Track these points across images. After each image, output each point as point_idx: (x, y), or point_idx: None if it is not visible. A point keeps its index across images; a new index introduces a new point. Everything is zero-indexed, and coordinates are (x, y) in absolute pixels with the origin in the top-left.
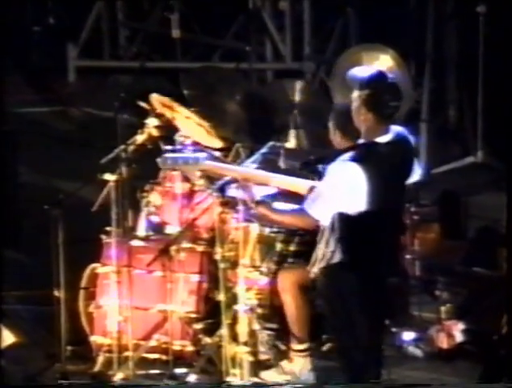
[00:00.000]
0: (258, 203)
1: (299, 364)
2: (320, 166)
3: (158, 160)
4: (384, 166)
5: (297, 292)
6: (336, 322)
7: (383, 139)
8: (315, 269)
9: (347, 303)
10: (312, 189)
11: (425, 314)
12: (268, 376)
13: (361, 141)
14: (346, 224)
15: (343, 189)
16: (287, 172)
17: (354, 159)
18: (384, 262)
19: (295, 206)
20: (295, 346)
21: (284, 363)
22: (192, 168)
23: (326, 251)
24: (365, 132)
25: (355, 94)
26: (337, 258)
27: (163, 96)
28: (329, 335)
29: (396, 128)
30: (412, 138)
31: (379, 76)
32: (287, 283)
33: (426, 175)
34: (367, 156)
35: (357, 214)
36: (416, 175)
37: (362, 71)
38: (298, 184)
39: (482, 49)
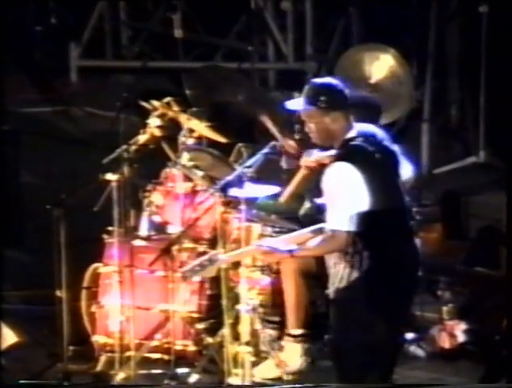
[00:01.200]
0: (292, 254)
1: (290, 352)
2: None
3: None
4: (369, 157)
5: (298, 278)
6: (357, 334)
7: (351, 134)
8: (335, 287)
9: (375, 310)
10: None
11: (427, 313)
12: (259, 371)
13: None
14: (365, 227)
15: (350, 190)
16: (288, 172)
17: (341, 159)
18: (405, 257)
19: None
20: (290, 331)
21: (275, 354)
22: (212, 269)
23: (353, 262)
24: (337, 136)
25: (311, 112)
26: (366, 264)
27: (165, 96)
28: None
29: (358, 125)
30: (378, 129)
31: (317, 82)
32: (290, 268)
33: (419, 171)
34: (352, 152)
35: (367, 214)
36: (408, 170)
37: (298, 100)
38: (306, 233)
39: (484, 49)
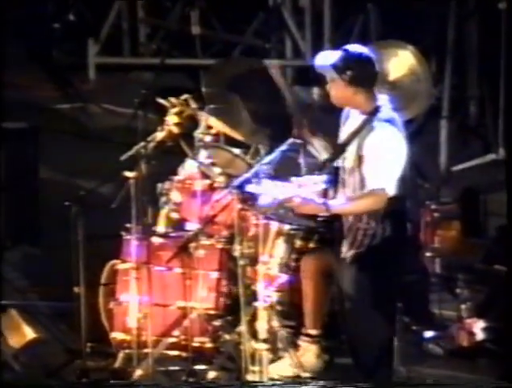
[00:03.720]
0: (327, 207)
1: (306, 352)
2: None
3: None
4: (401, 125)
5: (318, 278)
6: (369, 306)
7: (380, 102)
8: (353, 252)
9: (390, 283)
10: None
11: (446, 311)
12: (275, 368)
13: (357, 116)
14: (393, 197)
15: (396, 154)
16: (307, 170)
17: (389, 123)
18: (409, 254)
19: (360, 193)
20: (306, 331)
21: (292, 353)
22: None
23: (375, 228)
24: (358, 106)
25: (334, 77)
26: (388, 232)
27: (184, 94)
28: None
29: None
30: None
31: (353, 53)
32: (310, 268)
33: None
34: (392, 119)
35: (399, 185)
36: None
37: (328, 56)
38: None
39: (503, 45)
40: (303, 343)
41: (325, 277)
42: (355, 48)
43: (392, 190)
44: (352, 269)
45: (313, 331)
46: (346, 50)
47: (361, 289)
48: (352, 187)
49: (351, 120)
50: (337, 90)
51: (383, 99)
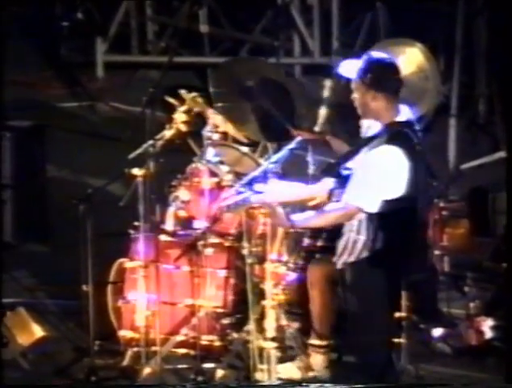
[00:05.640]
0: (293, 225)
1: (316, 360)
2: (342, 169)
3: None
4: (414, 146)
5: (325, 286)
6: (363, 317)
7: (402, 118)
8: (343, 260)
9: (381, 294)
10: (331, 193)
11: (454, 310)
12: (283, 369)
13: (379, 124)
14: (387, 211)
15: (389, 174)
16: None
17: (393, 143)
18: (416, 253)
19: (333, 206)
20: (315, 341)
21: (301, 357)
22: (243, 208)
23: (365, 240)
24: (379, 115)
25: (356, 81)
26: (378, 246)
27: (191, 92)
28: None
29: (402, 108)
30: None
31: (373, 58)
32: (317, 277)
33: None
34: (402, 137)
35: (396, 200)
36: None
37: (352, 63)
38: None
39: None
40: (312, 352)
41: (332, 284)
42: (378, 54)
43: (371, 208)
44: (346, 275)
45: (321, 342)
46: (368, 55)
47: (355, 295)
48: None
49: (371, 129)
50: (359, 96)
51: (405, 114)
